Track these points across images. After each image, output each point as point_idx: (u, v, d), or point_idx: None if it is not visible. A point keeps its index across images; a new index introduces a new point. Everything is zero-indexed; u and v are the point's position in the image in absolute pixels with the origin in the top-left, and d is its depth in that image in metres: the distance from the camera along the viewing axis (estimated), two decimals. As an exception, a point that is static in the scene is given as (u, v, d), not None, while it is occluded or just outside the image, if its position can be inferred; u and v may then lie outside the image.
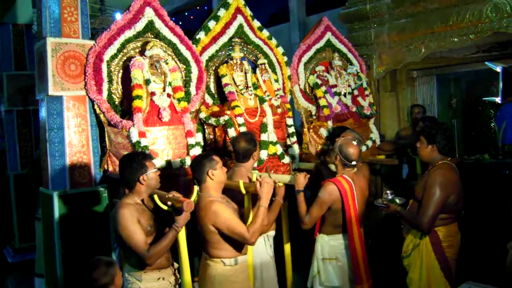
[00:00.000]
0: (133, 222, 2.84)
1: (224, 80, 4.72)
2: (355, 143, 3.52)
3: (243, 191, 3.37)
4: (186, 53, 4.48)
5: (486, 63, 6.20)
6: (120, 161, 3.13)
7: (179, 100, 4.22)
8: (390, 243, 4.73)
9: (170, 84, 4.22)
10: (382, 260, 4.98)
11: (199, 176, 3.18)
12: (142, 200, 3.03)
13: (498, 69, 6.30)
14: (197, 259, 3.80)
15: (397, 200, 3.63)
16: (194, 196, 3.08)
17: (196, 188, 3.18)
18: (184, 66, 4.49)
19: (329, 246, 3.56)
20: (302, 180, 3.56)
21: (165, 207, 3.02)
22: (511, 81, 6.36)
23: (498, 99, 6.60)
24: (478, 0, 5.25)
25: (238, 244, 3.18)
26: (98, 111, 4.02)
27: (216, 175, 3.17)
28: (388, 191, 3.70)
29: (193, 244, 3.44)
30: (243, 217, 3.34)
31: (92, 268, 2.69)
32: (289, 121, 5.02)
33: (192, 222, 3.18)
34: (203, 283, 3.20)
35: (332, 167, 3.78)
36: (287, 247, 3.79)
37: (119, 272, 2.81)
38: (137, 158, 3.02)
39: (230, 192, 3.45)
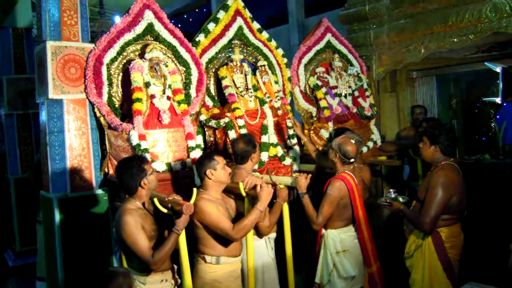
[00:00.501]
0: (137, 229, 2.84)
1: (224, 82, 4.71)
2: (353, 141, 3.71)
3: (243, 193, 3.38)
4: (186, 56, 4.48)
5: (486, 63, 6.20)
6: (118, 168, 3.10)
7: (179, 102, 4.22)
8: (392, 244, 4.72)
9: (170, 86, 4.21)
10: (384, 261, 4.97)
11: (200, 175, 3.31)
12: (143, 204, 3.03)
13: (498, 70, 6.30)
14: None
15: (400, 199, 3.66)
16: (193, 199, 3.08)
17: (195, 190, 3.19)
18: (184, 69, 4.48)
19: (340, 239, 3.70)
20: (303, 182, 3.61)
21: (165, 210, 3.02)
22: (511, 81, 6.36)
23: (498, 100, 6.61)
24: (477, 0, 5.25)
25: (225, 244, 3.24)
26: (98, 114, 4.01)
27: (215, 175, 3.25)
28: (391, 190, 3.73)
29: (193, 245, 3.44)
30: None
31: (109, 280, 2.66)
32: (289, 123, 5.01)
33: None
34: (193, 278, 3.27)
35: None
36: (289, 249, 3.79)
37: (133, 282, 2.80)
38: (135, 163, 3.01)
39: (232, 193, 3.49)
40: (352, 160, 3.70)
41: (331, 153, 3.78)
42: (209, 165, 3.25)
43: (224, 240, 3.22)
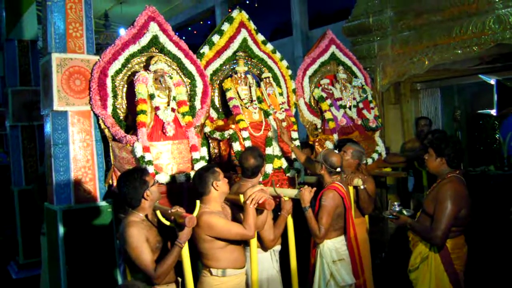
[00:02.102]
0: (142, 242, 2.83)
1: (229, 94, 4.71)
2: (336, 151, 3.86)
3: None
4: (191, 67, 4.49)
5: (480, 76, 6.20)
6: (119, 182, 3.07)
7: (183, 114, 4.22)
8: (397, 257, 4.68)
9: (174, 98, 4.21)
10: (388, 274, 4.93)
11: (203, 189, 3.26)
12: (146, 216, 3.02)
13: (492, 82, 6.30)
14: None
15: (405, 212, 3.64)
16: (196, 212, 3.07)
17: (198, 202, 3.18)
18: (189, 80, 4.49)
19: (335, 248, 3.73)
20: (307, 196, 3.60)
21: (167, 223, 3.00)
22: (506, 93, 6.36)
23: (493, 112, 6.60)
24: (481, 12, 5.26)
25: (231, 256, 3.24)
26: (102, 126, 4.02)
27: (220, 185, 3.26)
28: (395, 203, 3.71)
29: (196, 258, 3.43)
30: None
31: None
32: (294, 135, 5.00)
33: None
34: None
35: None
36: (293, 262, 3.77)
37: None
38: (137, 175, 3.00)
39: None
40: (338, 169, 3.76)
41: (317, 167, 3.84)
42: (214, 177, 3.25)
43: (230, 252, 3.22)
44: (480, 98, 7.96)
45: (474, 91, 7.95)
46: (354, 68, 6.01)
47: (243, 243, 3.38)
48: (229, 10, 12.11)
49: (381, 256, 5.33)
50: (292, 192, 3.76)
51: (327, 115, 5.41)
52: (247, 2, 13.93)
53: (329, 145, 5.21)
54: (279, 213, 3.61)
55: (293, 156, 4.93)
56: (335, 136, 5.27)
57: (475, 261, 3.94)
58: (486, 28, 5.18)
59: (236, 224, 3.20)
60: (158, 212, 3.03)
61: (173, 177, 3.96)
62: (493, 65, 6.20)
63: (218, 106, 4.92)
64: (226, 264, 3.22)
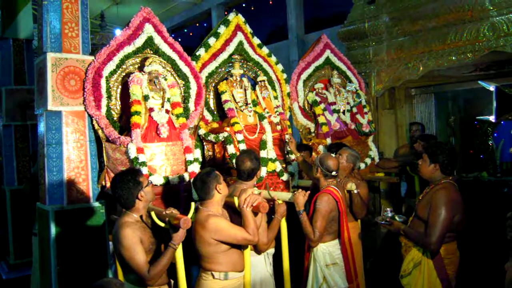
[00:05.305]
0: (136, 243, 2.83)
1: (224, 97, 4.72)
2: (333, 155, 3.88)
3: (238, 208, 3.37)
4: (185, 69, 4.49)
5: (480, 82, 6.22)
6: (113, 183, 3.05)
7: (177, 116, 4.22)
8: (388, 262, 4.68)
9: (168, 100, 4.21)
10: (380, 280, 4.94)
11: (206, 194, 3.23)
12: (141, 217, 3.01)
13: (491, 88, 6.33)
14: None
15: (397, 218, 3.64)
16: (191, 213, 3.06)
17: (193, 205, 3.17)
18: (183, 82, 4.49)
19: (329, 252, 3.74)
20: (301, 199, 3.61)
21: (162, 224, 3.00)
22: (505, 100, 6.38)
23: (492, 118, 6.63)
24: (475, 19, 5.29)
25: (232, 259, 3.24)
26: (96, 126, 4.00)
27: (223, 188, 3.26)
28: (388, 209, 3.71)
29: (190, 260, 3.41)
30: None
31: None
32: (287, 138, 5.00)
33: (190, 238, 3.18)
34: None
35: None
36: (286, 265, 3.77)
37: None
38: (131, 176, 2.99)
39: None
40: (334, 173, 3.78)
41: (314, 170, 3.88)
42: (217, 180, 3.24)
43: (231, 255, 3.23)
44: (474, 104, 8.00)
45: (468, 97, 7.99)
46: (349, 73, 6.03)
47: (242, 246, 3.38)
48: (226, 13, 12.12)
49: (371, 261, 5.33)
50: (286, 195, 3.77)
51: (321, 119, 5.42)
52: (244, 5, 13.95)
53: (322, 149, 5.23)
54: (273, 216, 3.61)
55: (288, 159, 4.94)
56: (329, 140, 5.29)
57: (467, 266, 3.95)
58: (481, 35, 5.21)
59: (241, 228, 3.20)
60: (152, 213, 3.03)
61: (167, 178, 3.96)
62: (487, 72, 6.23)
63: (213, 108, 4.92)
64: (228, 267, 3.22)
